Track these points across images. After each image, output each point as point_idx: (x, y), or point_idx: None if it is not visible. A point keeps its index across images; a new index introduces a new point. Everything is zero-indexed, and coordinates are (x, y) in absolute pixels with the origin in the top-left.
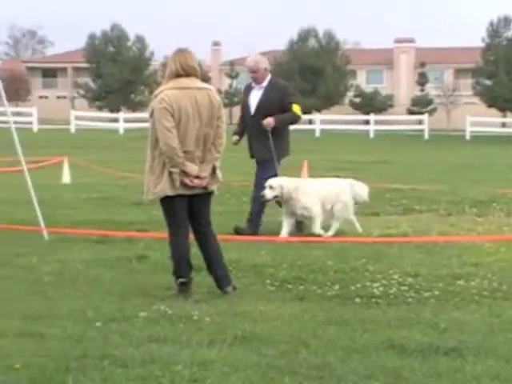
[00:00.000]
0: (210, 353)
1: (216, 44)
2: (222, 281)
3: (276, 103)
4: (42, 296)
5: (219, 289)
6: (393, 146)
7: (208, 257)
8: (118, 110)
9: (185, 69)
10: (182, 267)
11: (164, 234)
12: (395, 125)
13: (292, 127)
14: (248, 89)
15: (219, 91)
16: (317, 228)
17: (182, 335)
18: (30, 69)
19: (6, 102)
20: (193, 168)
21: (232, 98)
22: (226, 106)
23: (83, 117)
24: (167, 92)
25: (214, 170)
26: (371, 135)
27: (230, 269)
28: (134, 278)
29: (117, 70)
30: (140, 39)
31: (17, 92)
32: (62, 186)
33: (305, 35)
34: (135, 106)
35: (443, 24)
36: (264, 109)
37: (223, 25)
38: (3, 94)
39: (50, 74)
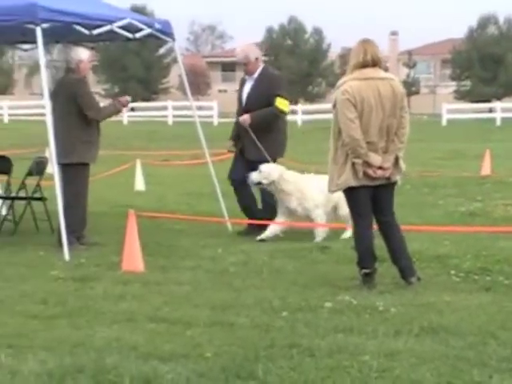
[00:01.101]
0: (397, 343)
1: (393, 34)
2: (406, 271)
3: (264, 95)
4: (229, 286)
5: (403, 279)
6: None
7: (392, 247)
8: (295, 102)
9: (370, 59)
10: (365, 258)
11: (344, 225)
12: None
13: (472, 116)
14: (242, 82)
15: None
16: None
17: (367, 326)
18: (210, 63)
19: (190, 96)
20: (376, 159)
21: (410, 87)
22: None
23: None
24: (350, 83)
25: (397, 160)
26: None
27: (414, 259)
28: (317, 268)
29: (294, 63)
30: (317, 31)
31: (198, 86)
32: None
33: (484, 22)
34: (313, 98)
35: None
36: (254, 102)
37: (400, 14)
38: (188, 88)
39: (228, 68)
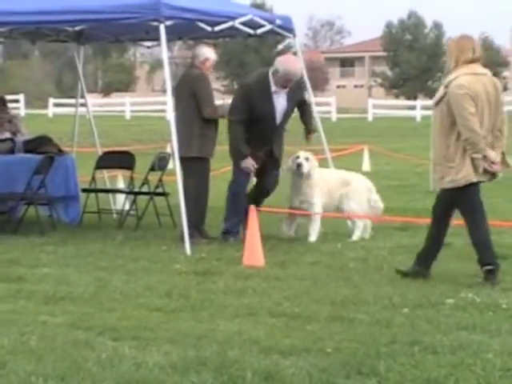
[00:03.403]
0: None
1: None
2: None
3: (295, 104)
4: (349, 282)
5: None
6: None
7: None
8: (414, 98)
9: (478, 56)
10: (486, 254)
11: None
12: None
13: None
14: (264, 92)
15: None
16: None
17: (491, 323)
18: (329, 59)
19: (311, 92)
20: (493, 153)
21: None
22: None
23: (380, 105)
24: (465, 78)
25: (503, 156)
26: None
27: None
28: (437, 264)
29: (414, 58)
30: (437, 26)
31: (315, 82)
32: (362, 174)
33: None
34: (432, 93)
35: None
36: (288, 115)
37: None
38: (308, 84)
39: (347, 63)
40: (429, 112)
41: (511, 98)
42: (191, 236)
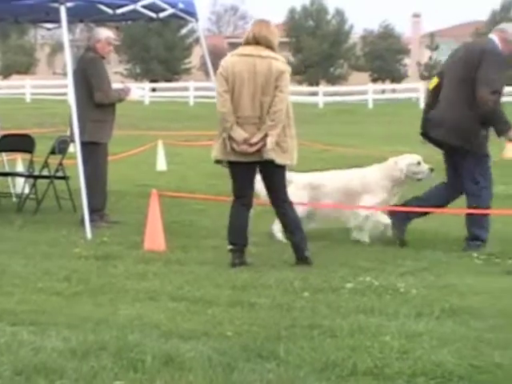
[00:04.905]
0: (418, 325)
1: (416, 16)
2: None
3: None
4: (250, 266)
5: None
6: None
7: (284, 224)
8: (317, 84)
9: (252, 37)
10: (233, 234)
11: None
12: None
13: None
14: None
15: (419, 64)
16: None
17: (388, 307)
18: (232, 44)
19: (213, 77)
20: (238, 133)
21: (432, 70)
22: (425, 78)
23: None
24: (227, 58)
25: (275, 140)
26: None
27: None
28: (337, 249)
29: (316, 44)
30: (339, 13)
31: (219, 67)
32: None
33: (508, 5)
34: (334, 80)
35: None
36: None
37: None
38: (211, 69)
39: None
40: (330, 98)
41: (411, 86)
42: (92, 220)
